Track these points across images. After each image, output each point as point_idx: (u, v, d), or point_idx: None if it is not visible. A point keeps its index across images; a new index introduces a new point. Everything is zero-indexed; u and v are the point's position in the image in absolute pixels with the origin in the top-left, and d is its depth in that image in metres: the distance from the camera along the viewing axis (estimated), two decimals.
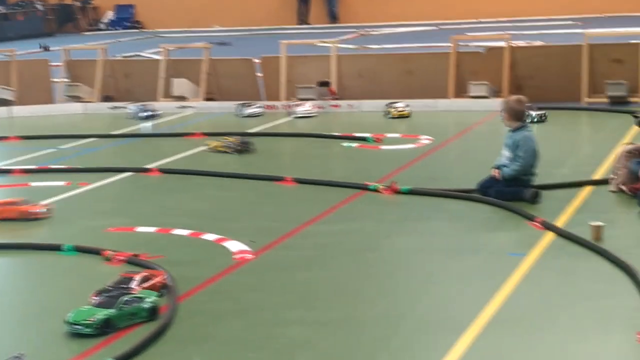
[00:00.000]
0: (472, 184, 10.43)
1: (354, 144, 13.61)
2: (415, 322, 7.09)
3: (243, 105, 16.85)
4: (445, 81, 16.67)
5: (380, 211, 10.10)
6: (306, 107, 16.20)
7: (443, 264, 8.35)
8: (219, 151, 13.47)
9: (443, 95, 16.57)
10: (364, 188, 10.82)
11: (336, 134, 14.34)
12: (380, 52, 22.04)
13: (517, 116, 10.17)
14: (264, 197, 11.02)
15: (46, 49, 26.35)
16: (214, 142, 13.76)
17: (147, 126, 16.17)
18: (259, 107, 16.89)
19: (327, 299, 7.65)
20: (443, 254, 8.59)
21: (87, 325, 6.94)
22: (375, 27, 31.98)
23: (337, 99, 17.10)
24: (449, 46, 17.15)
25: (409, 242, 8.99)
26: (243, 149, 13.42)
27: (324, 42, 19.67)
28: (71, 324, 7.00)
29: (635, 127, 12.40)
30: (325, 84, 17.24)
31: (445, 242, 8.96)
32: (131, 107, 17.04)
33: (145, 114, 16.72)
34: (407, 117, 15.55)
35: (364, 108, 16.58)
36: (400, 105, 15.78)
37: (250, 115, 16.55)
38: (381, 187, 10.70)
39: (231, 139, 13.69)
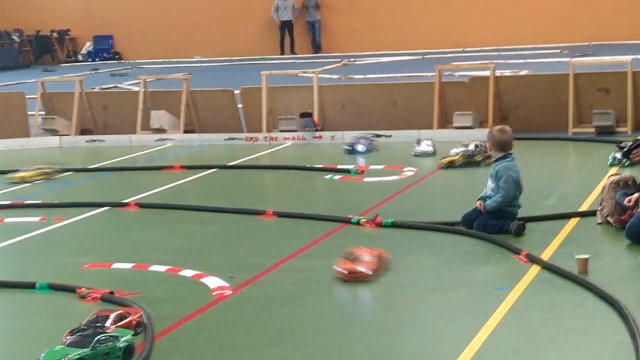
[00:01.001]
0: (457, 217, 10.28)
1: (337, 176, 13.45)
2: (399, 359, 6.90)
3: (417, 141, 14.80)
4: (429, 111, 16.56)
5: (363, 245, 9.90)
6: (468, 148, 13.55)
7: (427, 299, 8.18)
8: (28, 181, 13.80)
9: (427, 125, 16.44)
10: (346, 221, 10.65)
11: (318, 166, 14.18)
12: (364, 82, 21.98)
13: (499, 146, 10.06)
14: (244, 231, 10.83)
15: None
16: (22, 174, 14.01)
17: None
18: (430, 144, 14.47)
19: (309, 336, 7.47)
20: (427, 289, 8.42)
21: None
22: (359, 56, 32.01)
23: (319, 130, 16.96)
24: (433, 76, 17.05)
25: (391, 276, 8.80)
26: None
27: (306, 72, 19.58)
28: None
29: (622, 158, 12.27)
30: (307, 115, 17.09)
31: (429, 276, 8.79)
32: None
33: (349, 147, 14.99)
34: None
35: (346, 139, 16.43)
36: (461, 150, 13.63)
37: (419, 155, 14.21)
38: (363, 220, 10.52)
39: (45, 166, 14.14)
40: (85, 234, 11.26)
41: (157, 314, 7.83)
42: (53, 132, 18.43)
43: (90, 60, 36.47)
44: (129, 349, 7.07)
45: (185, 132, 17.78)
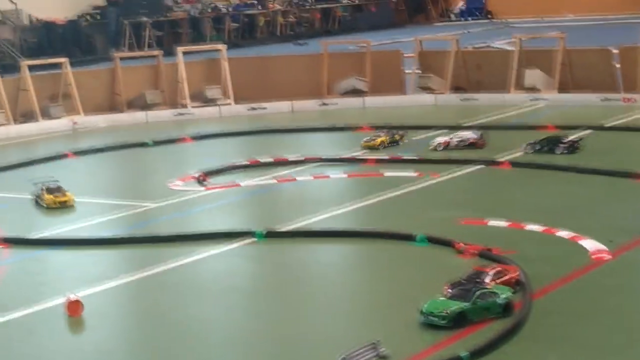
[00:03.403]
0: None
1: None
2: None
3: None
4: None
5: None
6: None
7: None
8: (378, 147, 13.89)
9: None
10: None
11: None
12: None
13: None
14: (618, 193, 10.57)
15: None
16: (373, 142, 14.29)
17: None
18: None
19: None
20: None
21: (441, 317, 7.00)
22: None
23: None
24: None
25: None
26: None
27: None
28: (425, 314, 7.09)
29: None
30: None
31: None
32: None
33: None
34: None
35: None
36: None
37: None
38: None
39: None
40: (460, 190, 11.51)
41: (534, 273, 7.87)
42: (428, 90, 18.89)
43: (462, 19, 36.84)
44: (508, 306, 7.17)
45: (560, 91, 17.53)
